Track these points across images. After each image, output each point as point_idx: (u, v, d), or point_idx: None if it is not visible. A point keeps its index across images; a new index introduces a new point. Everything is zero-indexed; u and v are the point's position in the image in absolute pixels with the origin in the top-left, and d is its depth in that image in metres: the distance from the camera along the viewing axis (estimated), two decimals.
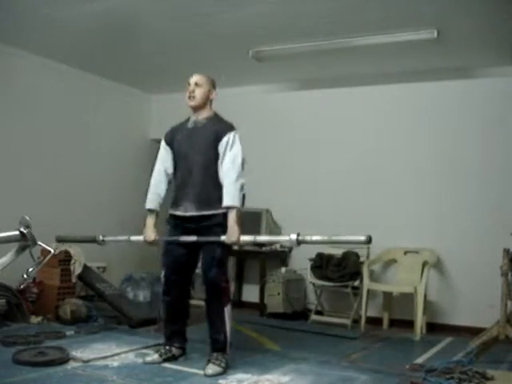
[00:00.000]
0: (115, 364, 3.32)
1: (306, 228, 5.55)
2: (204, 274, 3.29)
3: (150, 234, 3.46)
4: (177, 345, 3.47)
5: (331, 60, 5.07)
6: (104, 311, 4.79)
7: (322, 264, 5.22)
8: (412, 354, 4.05)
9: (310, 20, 4.19)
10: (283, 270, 5.49)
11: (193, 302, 5.04)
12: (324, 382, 3.14)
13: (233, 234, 3.16)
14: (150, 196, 3.49)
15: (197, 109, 3.40)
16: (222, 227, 3.22)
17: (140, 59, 5.30)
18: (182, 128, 3.46)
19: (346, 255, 5.19)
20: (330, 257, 5.24)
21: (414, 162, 5.30)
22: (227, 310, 3.26)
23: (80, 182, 5.65)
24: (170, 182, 3.51)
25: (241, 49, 4.83)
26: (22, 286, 3.99)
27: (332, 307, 5.47)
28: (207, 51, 4.97)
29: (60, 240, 3.89)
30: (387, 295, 5.11)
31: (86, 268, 4.98)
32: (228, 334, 3.26)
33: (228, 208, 3.21)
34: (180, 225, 3.38)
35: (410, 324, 4.76)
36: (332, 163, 5.66)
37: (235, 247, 3.36)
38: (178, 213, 3.35)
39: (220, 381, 3.06)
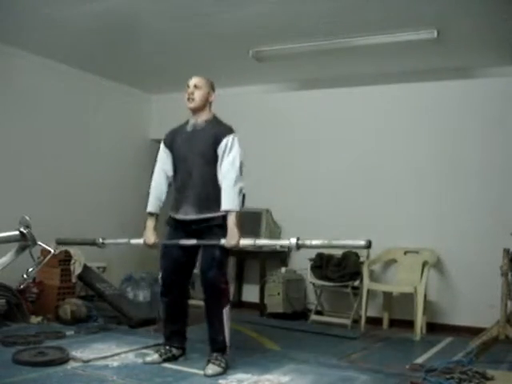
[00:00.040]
0: (115, 364, 3.32)
1: (306, 228, 5.59)
2: (203, 275, 3.28)
3: (150, 236, 3.46)
4: (177, 345, 3.47)
5: (331, 60, 5.07)
6: (104, 311, 4.79)
7: (322, 264, 5.22)
8: (412, 354, 4.05)
9: (310, 20, 4.19)
10: (283, 270, 5.49)
11: (193, 302, 5.05)
12: (324, 382, 3.14)
13: (233, 238, 3.17)
14: (150, 199, 3.50)
15: (196, 111, 3.39)
16: (222, 228, 3.22)
17: (140, 59, 5.31)
18: (181, 131, 3.46)
19: (346, 255, 5.19)
20: (329, 257, 5.23)
21: (414, 162, 5.30)
22: (226, 311, 3.26)
23: (80, 182, 5.65)
24: (170, 185, 3.52)
25: (241, 49, 4.83)
26: (21, 286, 3.99)
27: (332, 307, 5.47)
28: (207, 51, 4.97)
29: (60, 243, 3.88)
30: (387, 295, 5.11)
31: (85, 268, 4.98)
32: (227, 334, 3.26)
33: (227, 212, 3.21)
34: (180, 227, 3.39)
35: (410, 324, 4.76)
36: (332, 163, 5.66)
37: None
38: (179, 216, 3.37)
39: (220, 381, 3.06)
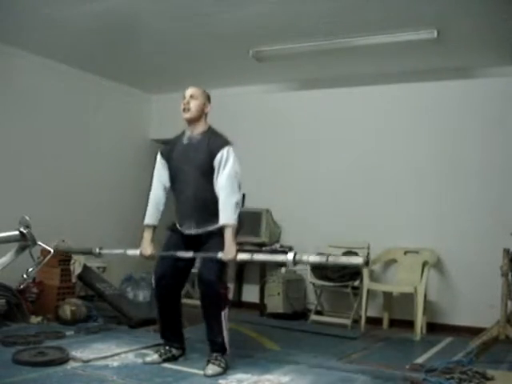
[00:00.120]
0: (115, 364, 3.32)
1: (306, 228, 5.62)
2: (200, 280, 3.26)
3: (147, 248, 3.47)
4: (176, 345, 3.47)
5: (331, 60, 5.07)
6: (104, 311, 4.79)
7: (322, 264, 5.22)
8: (412, 354, 4.05)
9: (310, 20, 4.19)
10: (283, 269, 5.49)
11: (193, 301, 5.07)
12: (324, 382, 3.14)
13: (230, 253, 3.16)
14: (149, 211, 3.51)
15: (191, 122, 3.37)
16: (221, 235, 3.24)
17: (140, 59, 5.31)
18: (177, 143, 3.44)
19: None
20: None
21: (414, 162, 5.30)
22: (224, 313, 3.26)
23: (80, 182, 5.65)
24: (167, 195, 3.54)
25: (241, 49, 4.83)
26: (21, 286, 3.99)
27: (332, 307, 5.47)
28: (207, 51, 4.97)
29: (58, 250, 3.88)
30: (387, 295, 5.11)
31: (85, 268, 4.98)
32: (226, 336, 3.26)
33: (224, 226, 3.21)
34: (181, 234, 3.44)
35: (410, 324, 4.76)
36: (332, 163, 5.66)
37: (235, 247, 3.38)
38: (181, 230, 3.43)
39: (220, 381, 3.06)
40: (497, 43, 4.45)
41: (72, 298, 4.76)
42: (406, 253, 5.17)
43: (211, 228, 3.30)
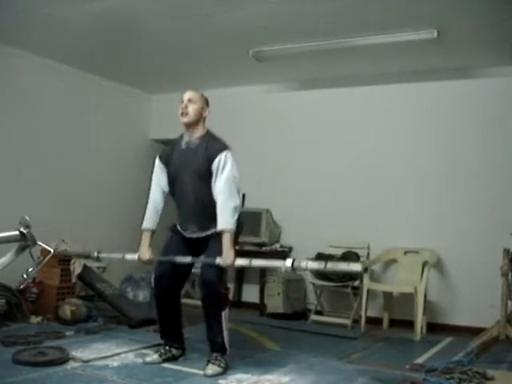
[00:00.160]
0: (115, 364, 3.32)
1: (306, 228, 5.62)
2: (202, 279, 3.26)
3: (145, 252, 3.47)
4: (176, 345, 3.47)
5: (331, 60, 5.07)
6: (104, 311, 4.79)
7: None
8: (412, 354, 4.05)
9: (310, 20, 4.19)
10: (283, 269, 5.47)
11: (193, 302, 5.07)
12: (324, 382, 3.14)
13: (228, 258, 3.15)
14: (147, 215, 3.51)
15: (190, 126, 3.36)
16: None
17: (140, 59, 5.31)
18: (176, 148, 3.43)
19: (346, 255, 5.19)
20: (330, 257, 5.22)
21: (414, 162, 5.30)
22: (225, 313, 3.26)
23: (80, 182, 5.65)
24: (165, 199, 3.54)
25: (241, 49, 4.83)
26: (21, 286, 3.99)
27: (332, 307, 5.47)
28: (207, 51, 4.97)
29: (56, 254, 3.88)
30: (387, 295, 5.11)
31: (85, 268, 4.98)
32: (225, 336, 3.26)
33: (222, 231, 3.21)
34: (182, 235, 3.46)
35: (410, 324, 4.76)
36: (332, 163, 5.66)
37: (236, 247, 3.38)
38: (183, 233, 3.44)
39: (220, 381, 3.06)
40: (497, 43, 4.45)
41: (72, 297, 4.76)
42: (405, 253, 5.17)
43: (211, 231, 3.30)
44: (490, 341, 4.12)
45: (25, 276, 2.78)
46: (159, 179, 3.49)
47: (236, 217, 3.22)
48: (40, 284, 4.77)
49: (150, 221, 3.50)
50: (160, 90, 6.47)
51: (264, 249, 5.55)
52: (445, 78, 5.21)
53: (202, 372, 3.15)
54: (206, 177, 3.28)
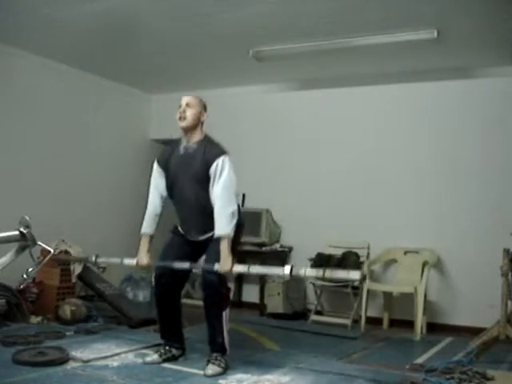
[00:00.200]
0: (115, 364, 3.32)
1: (306, 228, 5.61)
2: (204, 279, 3.26)
3: (143, 257, 3.47)
4: (176, 345, 3.47)
5: (331, 60, 5.07)
6: (104, 311, 4.79)
7: (322, 264, 5.19)
8: (412, 354, 4.05)
9: (310, 20, 4.19)
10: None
11: (193, 302, 5.07)
12: (324, 382, 3.14)
13: (226, 265, 3.15)
14: (146, 220, 3.52)
15: (187, 130, 3.36)
16: None
17: (140, 59, 5.30)
18: (174, 152, 3.43)
19: (346, 255, 5.19)
20: (329, 257, 5.23)
21: (414, 162, 5.30)
22: (226, 313, 3.26)
23: (80, 182, 5.65)
24: (163, 204, 3.55)
25: (241, 49, 4.83)
26: (21, 286, 3.99)
27: (332, 307, 5.47)
28: (207, 51, 4.97)
29: (55, 260, 3.89)
30: (387, 295, 5.11)
31: (85, 268, 4.98)
32: (226, 336, 3.26)
33: (220, 237, 3.21)
34: (183, 237, 3.48)
35: (410, 324, 4.76)
36: (332, 163, 5.66)
37: (238, 247, 3.39)
38: (185, 236, 3.47)
39: (220, 381, 3.06)
40: (497, 43, 4.45)
41: (72, 298, 4.77)
42: (406, 253, 5.17)
43: (211, 234, 3.30)
44: (490, 341, 4.12)
45: (25, 276, 2.78)
46: (157, 183, 3.50)
47: (234, 222, 3.22)
48: (40, 284, 4.77)
49: (148, 226, 3.51)
50: (160, 90, 6.47)
51: (264, 249, 5.55)
52: (445, 77, 5.20)
53: (202, 372, 3.15)
54: (204, 181, 3.28)
